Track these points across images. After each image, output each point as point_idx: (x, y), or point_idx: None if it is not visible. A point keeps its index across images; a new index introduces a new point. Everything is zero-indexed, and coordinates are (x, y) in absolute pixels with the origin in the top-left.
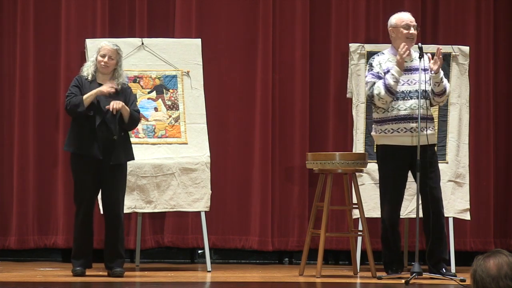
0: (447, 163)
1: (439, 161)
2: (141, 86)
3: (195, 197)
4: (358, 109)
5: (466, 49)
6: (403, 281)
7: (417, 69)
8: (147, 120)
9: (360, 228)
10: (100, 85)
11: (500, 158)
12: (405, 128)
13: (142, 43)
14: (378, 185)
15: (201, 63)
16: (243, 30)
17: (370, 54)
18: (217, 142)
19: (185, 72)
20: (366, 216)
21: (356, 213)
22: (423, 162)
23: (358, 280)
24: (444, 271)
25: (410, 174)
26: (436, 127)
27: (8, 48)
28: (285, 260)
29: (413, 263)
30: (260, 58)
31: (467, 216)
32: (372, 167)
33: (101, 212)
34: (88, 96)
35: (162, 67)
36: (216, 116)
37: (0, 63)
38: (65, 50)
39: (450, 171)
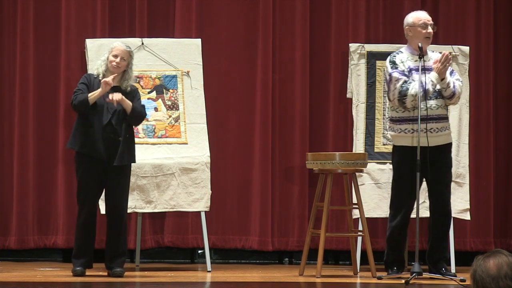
0: None
1: None
2: (141, 86)
3: (195, 197)
4: (358, 109)
5: (466, 49)
6: (403, 281)
7: (429, 69)
8: (147, 120)
9: (360, 228)
10: None
11: (500, 158)
12: (424, 128)
13: (142, 43)
14: (378, 185)
15: (201, 63)
16: (243, 30)
17: (370, 54)
18: (217, 142)
19: (185, 72)
20: (366, 216)
21: (356, 213)
22: (440, 162)
23: (358, 280)
24: (444, 271)
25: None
26: None
27: (8, 48)
28: (285, 260)
29: (413, 263)
30: (260, 58)
31: (467, 216)
32: (372, 167)
33: (102, 212)
34: (93, 94)
35: (162, 67)
36: (216, 116)
37: (0, 63)
38: (65, 50)
39: None
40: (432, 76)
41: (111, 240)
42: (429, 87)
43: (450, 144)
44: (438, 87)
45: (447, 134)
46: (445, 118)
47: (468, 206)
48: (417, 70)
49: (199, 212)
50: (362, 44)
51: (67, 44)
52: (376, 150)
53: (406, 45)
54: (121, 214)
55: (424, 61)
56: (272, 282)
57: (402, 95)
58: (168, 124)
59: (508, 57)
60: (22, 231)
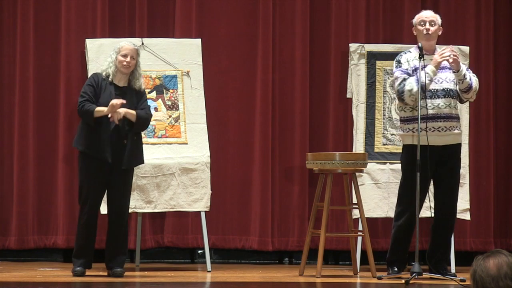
0: None
1: None
2: None
3: (195, 197)
4: (358, 109)
5: (466, 49)
6: (403, 281)
7: (444, 68)
8: None
9: (360, 228)
10: (116, 86)
11: (500, 158)
12: (433, 127)
13: (142, 43)
14: (378, 185)
15: (201, 63)
16: (243, 30)
17: (370, 54)
18: (217, 142)
19: (185, 72)
20: (366, 216)
21: (356, 213)
22: (450, 162)
23: (358, 280)
24: (444, 271)
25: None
26: None
27: (8, 48)
28: (285, 260)
29: (413, 263)
30: (260, 58)
31: (467, 216)
32: (372, 167)
33: (102, 212)
34: (100, 111)
35: (162, 67)
36: (216, 116)
37: (0, 63)
38: (65, 50)
39: None
40: (428, 68)
41: (112, 240)
42: (425, 79)
43: (459, 145)
44: (446, 84)
45: (456, 134)
46: (454, 117)
47: (468, 206)
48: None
49: (199, 212)
50: (362, 44)
51: (67, 44)
52: (376, 150)
53: (415, 45)
54: (123, 215)
55: (423, 60)
56: (272, 282)
57: (400, 92)
58: (168, 124)
59: (508, 57)
60: (22, 231)
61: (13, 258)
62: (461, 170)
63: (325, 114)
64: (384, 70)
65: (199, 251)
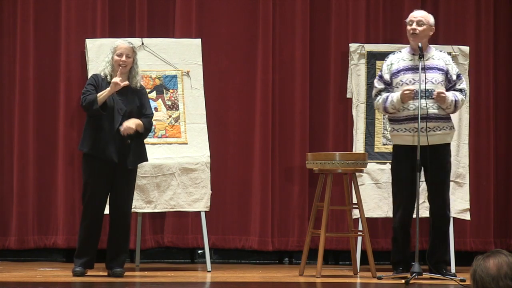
0: None
1: None
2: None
3: (195, 197)
4: (358, 109)
5: (466, 49)
6: (403, 281)
7: (432, 68)
8: None
9: (360, 228)
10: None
11: (500, 158)
12: (415, 128)
13: (142, 43)
14: (378, 185)
15: (201, 63)
16: (243, 30)
17: (370, 54)
18: (217, 142)
19: (185, 72)
20: (366, 216)
21: (356, 213)
22: (435, 162)
23: (358, 280)
24: (444, 271)
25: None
26: None
27: (8, 48)
28: (285, 260)
29: (413, 263)
30: (260, 58)
31: (467, 216)
32: (372, 167)
33: (105, 211)
34: (102, 94)
35: (162, 67)
36: (216, 116)
37: (0, 63)
38: (65, 50)
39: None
40: (394, 97)
41: (114, 240)
42: (389, 108)
43: (447, 145)
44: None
45: (443, 134)
46: (442, 117)
47: (468, 206)
48: (408, 69)
49: (199, 212)
50: (362, 44)
51: (67, 44)
52: (376, 150)
53: (408, 45)
54: (126, 215)
55: (420, 60)
56: (272, 282)
57: (372, 101)
58: (168, 124)
59: (508, 57)
60: (22, 231)
61: (13, 258)
62: (461, 170)
63: (325, 114)
64: None
65: (199, 251)
